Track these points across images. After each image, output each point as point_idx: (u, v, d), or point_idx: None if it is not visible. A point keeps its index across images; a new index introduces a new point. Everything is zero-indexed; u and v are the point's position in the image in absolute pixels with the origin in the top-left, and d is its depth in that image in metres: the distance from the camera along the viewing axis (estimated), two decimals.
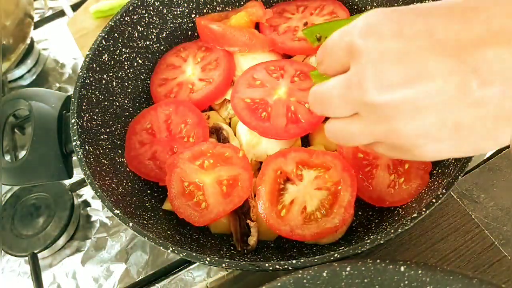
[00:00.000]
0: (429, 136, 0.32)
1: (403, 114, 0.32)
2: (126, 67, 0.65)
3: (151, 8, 0.67)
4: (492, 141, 0.32)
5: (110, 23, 0.63)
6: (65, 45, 0.97)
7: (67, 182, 0.70)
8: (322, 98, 0.38)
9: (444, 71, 0.30)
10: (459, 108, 0.31)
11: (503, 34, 0.30)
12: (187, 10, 0.71)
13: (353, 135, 0.37)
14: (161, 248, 0.44)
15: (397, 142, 0.34)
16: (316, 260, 0.39)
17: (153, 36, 0.69)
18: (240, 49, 0.64)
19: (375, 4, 0.65)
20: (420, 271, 0.35)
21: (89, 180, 0.50)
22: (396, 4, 0.62)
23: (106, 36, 0.62)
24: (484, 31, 0.30)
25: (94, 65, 0.60)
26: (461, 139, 0.32)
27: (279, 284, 0.37)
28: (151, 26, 0.68)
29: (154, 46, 0.69)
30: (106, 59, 0.62)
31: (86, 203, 0.72)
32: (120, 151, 0.60)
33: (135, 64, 0.67)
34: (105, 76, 0.62)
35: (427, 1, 0.56)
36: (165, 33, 0.70)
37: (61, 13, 1.01)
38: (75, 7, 0.98)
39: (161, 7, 0.68)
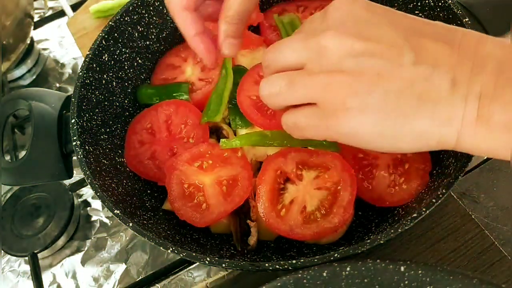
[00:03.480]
0: (358, 97, 0.35)
1: (346, 65, 0.36)
2: (126, 67, 0.65)
3: (151, 8, 0.67)
4: (410, 125, 0.35)
5: (110, 23, 0.63)
6: (65, 45, 0.97)
7: (67, 182, 0.70)
8: (276, 50, 0.41)
9: (390, 40, 0.35)
10: (391, 77, 0.35)
11: (447, 37, 0.36)
12: None
13: (295, 87, 0.39)
14: (161, 248, 0.44)
15: (328, 98, 0.36)
16: (316, 260, 0.39)
17: (153, 36, 0.69)
18: None
19: None
20: (420, 271, 0.35)
21: (89, 180, 0.50)
22: (396, 4, 0.62)
23: (106, 36, 0.62)
24: (433, 33, 0.37)
25: (94, 65, 0.60)
26: (385, 114, 0.35)
27: (279, 284, 0.37)
28: (151, 26, 0.68)
29: (154, 46, 0.69)
30: (106, 59, 0.62)
31: (86, 203, 0.72)
32: (120, 151, 0.60)
33: (135, 64, 0.67)
34: (105, 76, 0.62)
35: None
36: (165, 33, 0.70)
37: (61, 13, 1.01)
38: (75, 7, 0.98)
39: (161, 7, 0.68)
